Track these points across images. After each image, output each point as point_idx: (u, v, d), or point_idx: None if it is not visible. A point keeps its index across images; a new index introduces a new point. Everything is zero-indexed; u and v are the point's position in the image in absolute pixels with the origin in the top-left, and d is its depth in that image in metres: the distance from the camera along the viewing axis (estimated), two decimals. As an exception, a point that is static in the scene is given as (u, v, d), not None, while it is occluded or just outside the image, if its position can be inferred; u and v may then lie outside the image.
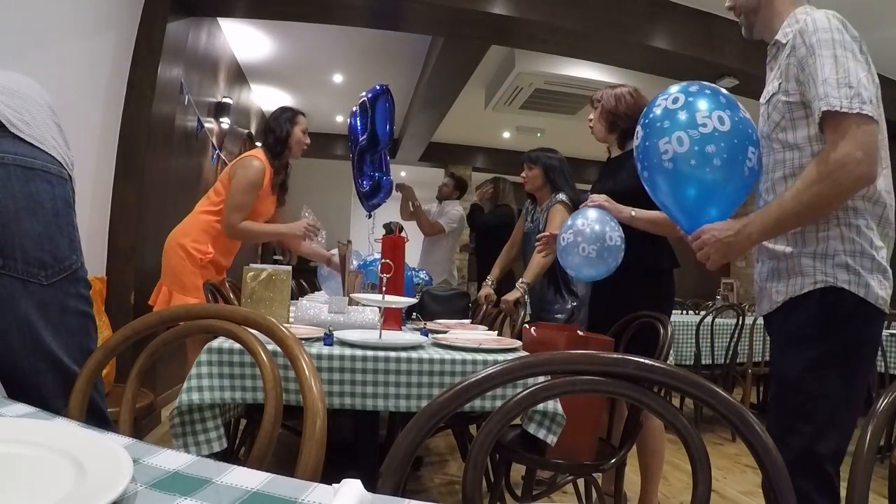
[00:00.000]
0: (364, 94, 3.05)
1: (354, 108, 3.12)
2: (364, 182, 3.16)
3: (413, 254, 4.35)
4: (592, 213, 1.85)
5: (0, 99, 0.92)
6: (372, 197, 3.23)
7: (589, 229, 1.80)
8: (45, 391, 0.93)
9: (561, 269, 2.56)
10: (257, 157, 2.46)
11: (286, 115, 2.57)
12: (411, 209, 4.32)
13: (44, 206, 0.93)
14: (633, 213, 1.85)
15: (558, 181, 2.67)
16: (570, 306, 2.57)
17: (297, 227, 2.54)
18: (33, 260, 0.92)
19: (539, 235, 2.30)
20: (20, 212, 0.91)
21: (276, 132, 2.54)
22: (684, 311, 5.03)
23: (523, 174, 2.74)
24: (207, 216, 2.47)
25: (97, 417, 0.96)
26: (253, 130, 5.93)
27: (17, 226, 0.90)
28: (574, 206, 2.57)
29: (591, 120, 2.15)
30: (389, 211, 3.62)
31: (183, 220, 2.53)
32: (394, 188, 3.49)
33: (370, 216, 3.42)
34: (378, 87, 3.13)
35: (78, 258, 1.00)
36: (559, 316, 2.57)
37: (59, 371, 0.94)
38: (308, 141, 2.62)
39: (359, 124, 3.06)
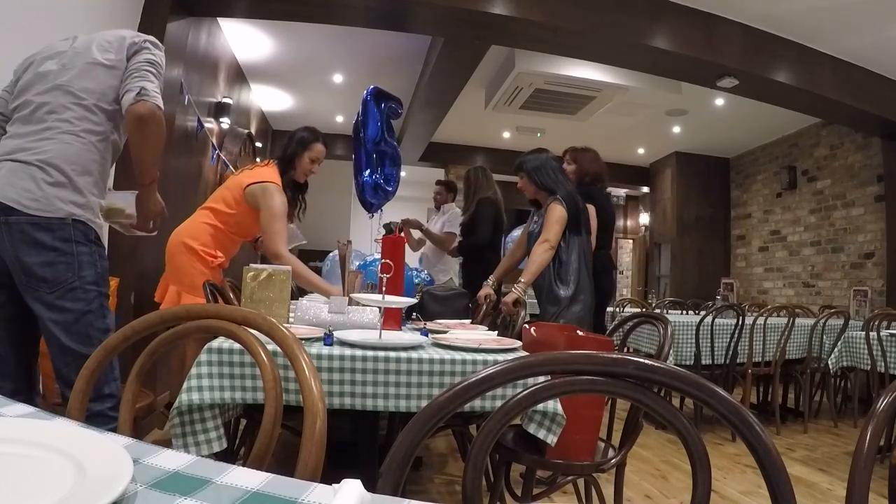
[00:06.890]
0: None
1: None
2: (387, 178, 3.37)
3: (415, 255, 4.37)
4: None
5: (20, 188, 1.45)
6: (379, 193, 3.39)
7: None
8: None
9: (555, 264, 2.57)
10: (272, 181, 2.42)
11: (300, 136, 2.56)
12: (416, 239, 4.37)
13: (45, 245, 1.45)
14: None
15: (545, 181, 2.67)
16: (563, 294, 2.56)
17: (335, 290, 2.21)
18: (39, 279, 1.46)
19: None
20: (30, 251, 1.45)
21: (286, 149, 2.54)
22: (684, 311, 5.03)
23: (518, 185, 2.81)
24: (218, 227, 2.45)
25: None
26: (253, 130, 5.92)
27: (28, 259, 1.45)
28: (567, 202, 2.57)
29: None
30: (393, 210, 3.64)
31: (187, 222, 2.50)
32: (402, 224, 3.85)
33: (372, 216, 3.47)
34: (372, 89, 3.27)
35: (74, 275, 1.48)
36: (552, 308, 2.57)
37: (60, 348, 1.48)
38: (314, 170, 2.59)
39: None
